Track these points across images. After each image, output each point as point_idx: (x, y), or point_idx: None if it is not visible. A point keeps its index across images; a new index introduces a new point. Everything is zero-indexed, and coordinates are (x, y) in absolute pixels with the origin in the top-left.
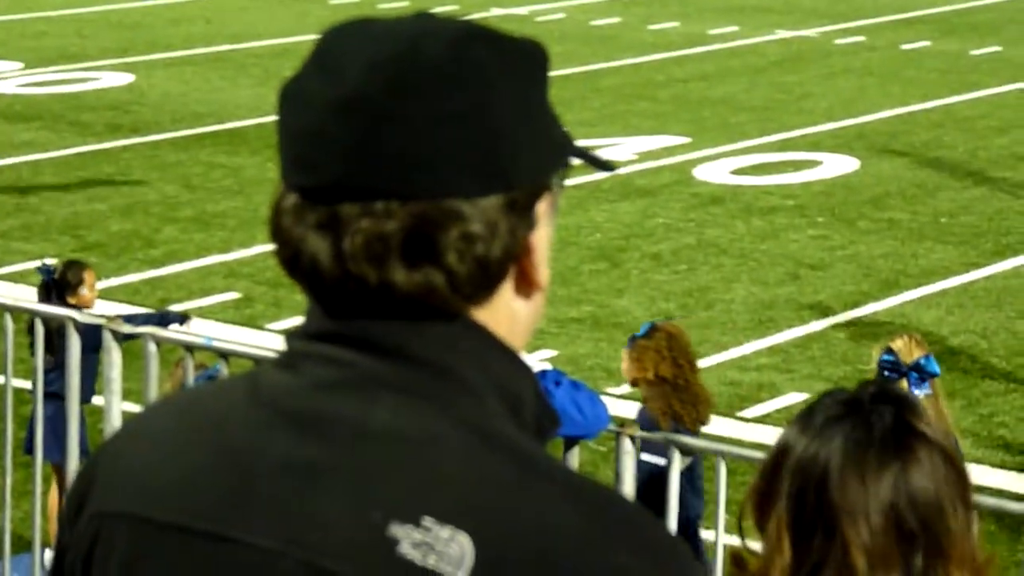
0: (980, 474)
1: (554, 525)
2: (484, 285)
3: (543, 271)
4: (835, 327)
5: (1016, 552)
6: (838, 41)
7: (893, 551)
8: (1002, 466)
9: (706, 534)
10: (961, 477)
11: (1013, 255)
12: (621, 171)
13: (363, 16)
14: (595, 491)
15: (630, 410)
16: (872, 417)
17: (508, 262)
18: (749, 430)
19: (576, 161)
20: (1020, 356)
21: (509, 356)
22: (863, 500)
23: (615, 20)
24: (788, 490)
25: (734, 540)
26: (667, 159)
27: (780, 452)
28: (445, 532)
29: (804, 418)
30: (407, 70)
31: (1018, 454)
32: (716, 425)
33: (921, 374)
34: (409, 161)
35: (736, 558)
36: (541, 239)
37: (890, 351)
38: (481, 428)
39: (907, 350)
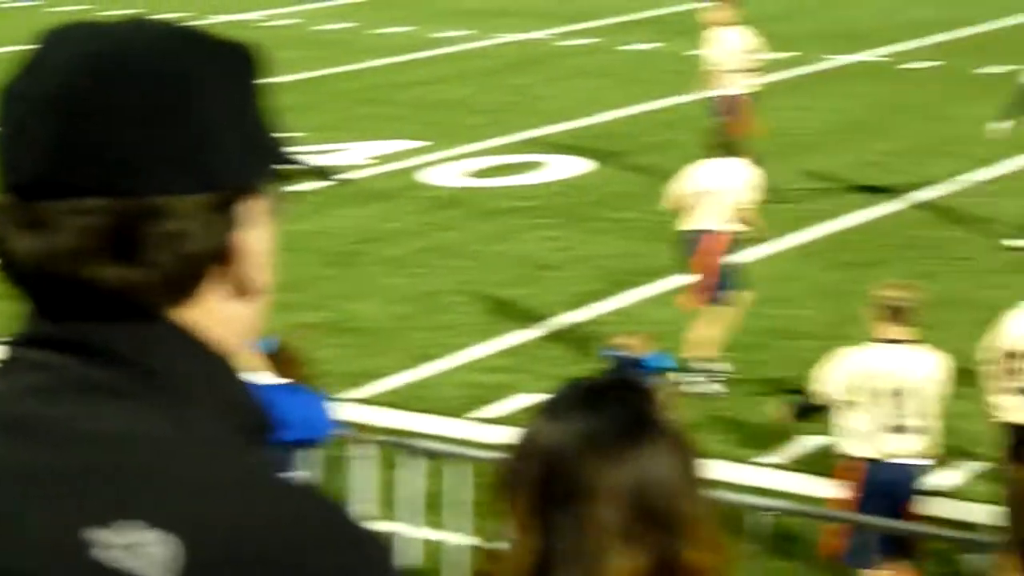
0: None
1: (266, 526)
2: (187, 284)
3: (261, 274)
4: (570, 327)
5: (737, 544)
6: (569, 43)
7: (634, 533)
8: (723, 457)
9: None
10: (694, 464)
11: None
12: (356, 175)
13: (80, 20)
14: (304, 493)
15: (369, 415)
16: (611, 405)
17: (211, 261)
18: (487, 431)
19: (293, 166)
20: (752, 351)
21: (217, 358)
22: (604, 484)
23: (346, 25)
24: (533, 477)
25: (474, 541)
26: (402, 163)
27: (526, 441)
28: (150, 535)
29: (548, 407)
30: (110, 67)
31: (739, 447)
32: (454, 427)
33: (652, 370)
34: (112, 158)
35: (486, 553)
36: (256, 242)
37: (622, 348)
38: (191, 430)
39: (639, 347)
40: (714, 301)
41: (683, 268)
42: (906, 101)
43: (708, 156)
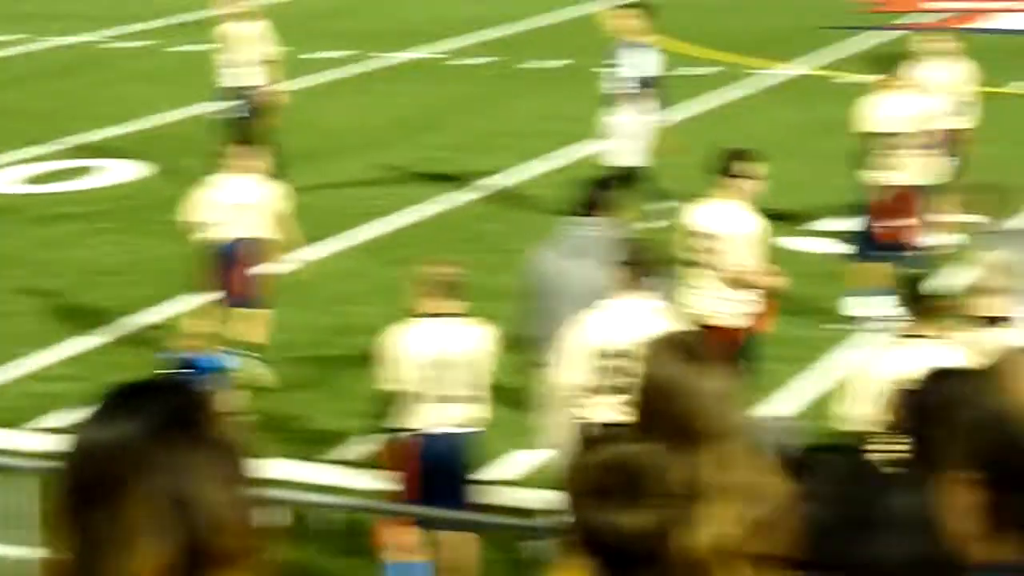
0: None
1: None
2: None
3: None
4: (133, 332)
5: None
6: (119, 45)
7: (165, 527)
8: (284, 456)
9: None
10: (238, 464)
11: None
12: None
13: None
14: None
15: None
16: (149, 407)
17: None
18: (50, 441)
19: None
20: (319, 348)
21: None
22: (138, 485)
23: None
24: (74, 481)
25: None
26: None
27: (69, 446)
28: None
29: (93, 412)
30: None
31: (301, 445)
32: (16, 439)
33: (207, 371)
34: None
35: (46, 565)
36: None
37: (182, 350)
38: None
39: (199, 348)
40: (245, 306)
41: (209, 278)
42: (459, 96)
43: (232, 161)
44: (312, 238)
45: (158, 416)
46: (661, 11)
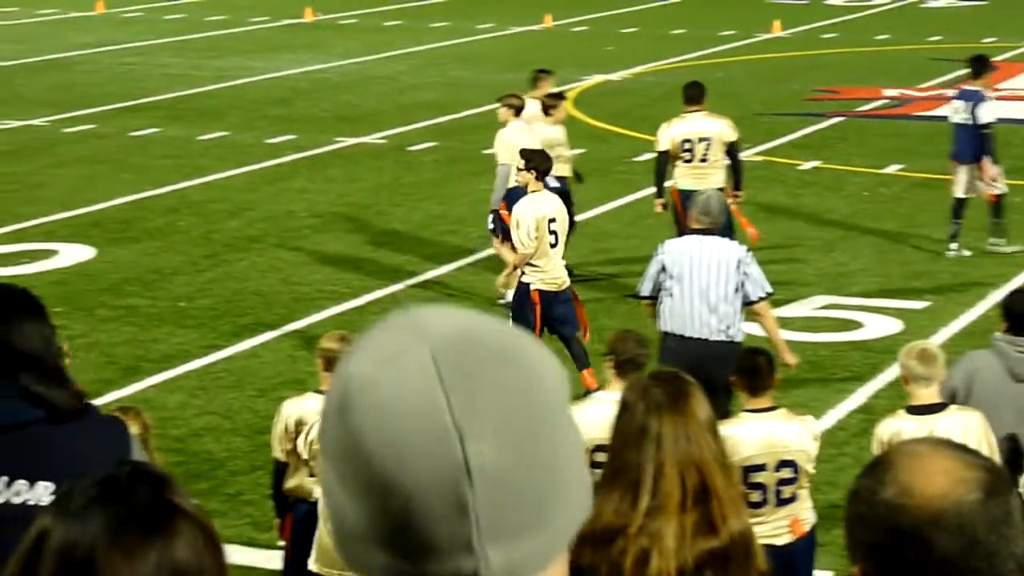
0: (231, 552)
1: None
2: None
3: None
4: None
5: None
6: (66, 129)
7: None
8: (251, 544)
9: None
10: (219, 549)
11: (250, 335)
12: None
13: None
14: None
15: None
16: (131, 495)
17: None
18: None
19: None
20: (261, 434)
21: None
22: (132, 574)
23: None
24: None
25: None
26: None
27: (37, 539)
28: None
29: (60, 502)
30: None
31: (266, 530)
32: None
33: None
34: None
35: None
36: None
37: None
38: None
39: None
40: None
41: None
42: (408, 181)
43: None
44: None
45: (144, 504)
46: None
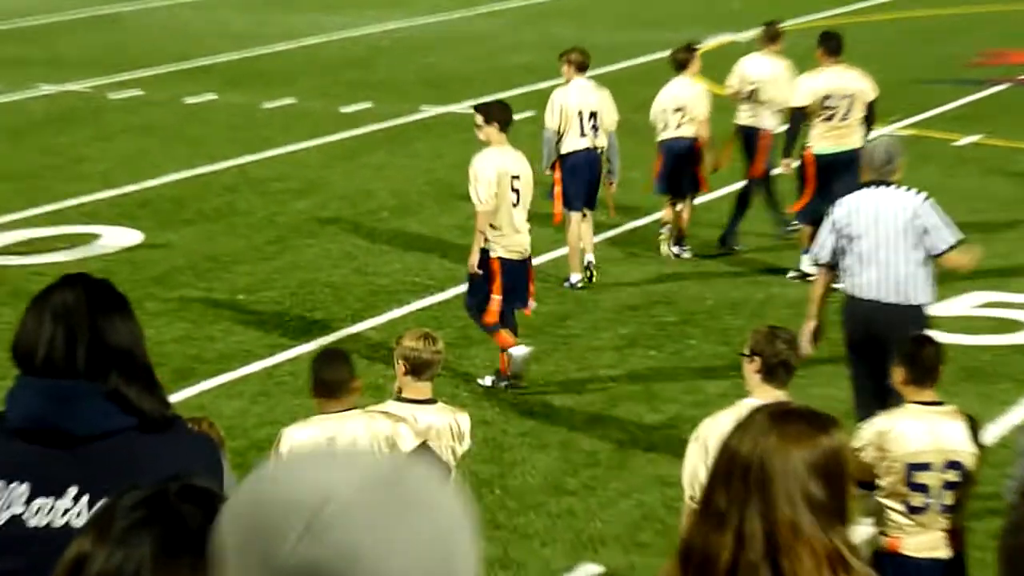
0: None
1: None
2: None
3: None
4: None
5: None
6: (112, 96)
7: None
8: None
9: None
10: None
11: (320, 334)
12: None
13: None
14: None
15: None
16: (181, 517)
17: None
18: None
19: None
20: None
21: None
22: None
23: None
24: None
25: None
26: None
27: (73, 566)
28: None
29: (99, 525)
30: None
31: None
32: None
33: None
34: None
35: None
36: None
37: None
38: None
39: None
40: None
41: None
42: None
43: None
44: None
45: (196, 523)
46: None
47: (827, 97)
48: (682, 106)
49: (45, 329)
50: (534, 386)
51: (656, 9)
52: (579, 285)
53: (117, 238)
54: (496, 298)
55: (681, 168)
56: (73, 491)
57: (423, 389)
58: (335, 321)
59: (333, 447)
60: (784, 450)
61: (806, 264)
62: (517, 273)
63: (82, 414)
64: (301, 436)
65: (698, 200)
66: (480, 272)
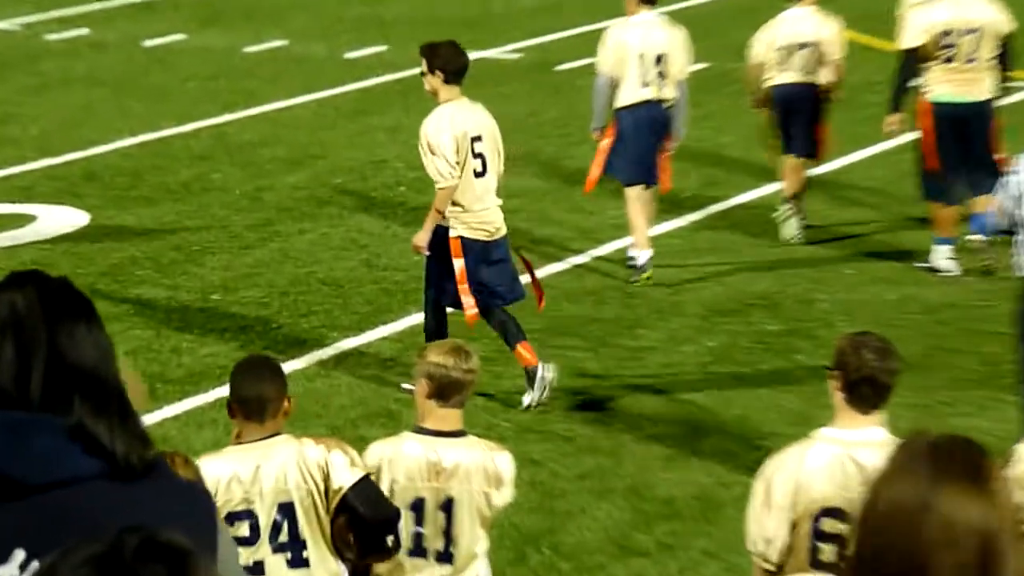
0: None
1: None
2: None
3: None
4: None
5: None
6: (50, 36)
7: None
8: None
9: None
10: None
11: (317, 345)
12: None
13: None
14: None
15: None
16: None
17: None
18: None
19: None
20: None
21: None
22: None
23: None
24: None
25: None
26: None
27: None
28: None
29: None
30: None
31: None
32: None
33: None
34: None
35: None
36: None
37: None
38: None
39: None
40: None
41: None
42: (552, 116)
43: None
44: None
45: None
46: None
47: (946, 33)
48: (810, 43)
49: None
50: (594, 413)
51: None
52: (643, 267)
53: (56, 221)
54: (463, 291)
55: (795, 123)
56: (20, 556)
57: (450, 417)
58: (336, 329)
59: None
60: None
61: (941, 257)
62: (484, 256)
63: (34, 456)
64: (215, 471)
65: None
66: (428, 253)
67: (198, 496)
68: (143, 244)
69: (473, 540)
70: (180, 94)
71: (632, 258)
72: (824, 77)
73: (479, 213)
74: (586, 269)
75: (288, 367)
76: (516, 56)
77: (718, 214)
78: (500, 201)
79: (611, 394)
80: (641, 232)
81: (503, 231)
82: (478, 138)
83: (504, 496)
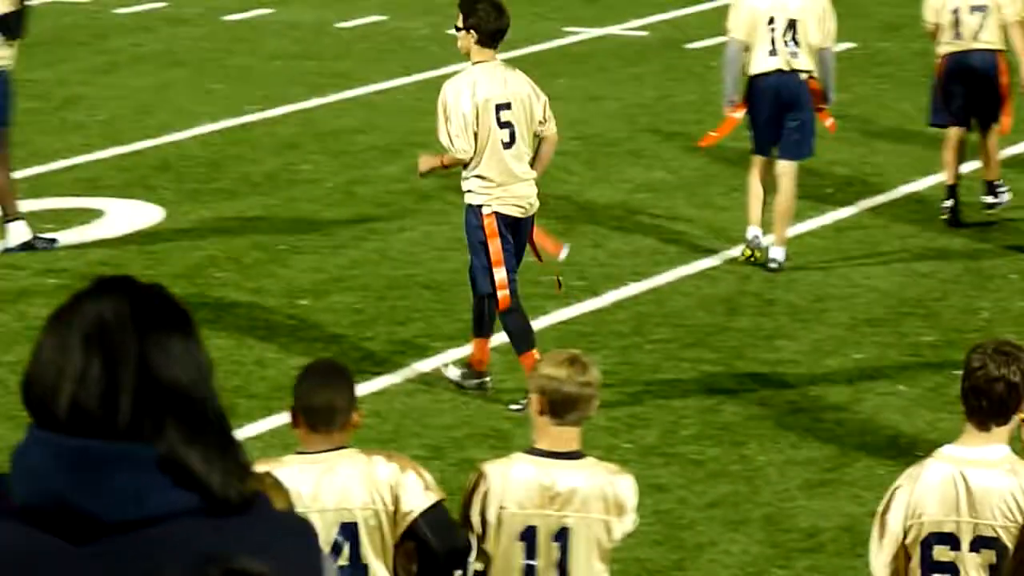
0: None
1: None
2: None
3: None
4: None
5: None
6: (119, 10)
7: None
8: None
9: None
10: None
11: (416, 356)
12: None
13: None
14: None
15: None
16: None
17: None
18: None
19: None
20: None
21: None
22: None
23: None
24: None
25: None
26: None
27: None
28: None
29: None
30: None
31: None
32: None
33: None
34: None
35: None
36: None
37: None
38: None
39: None
40: None
41: None
42: (684, 100)
43: None
44: None
45: None
46: None
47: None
48: (983, 5)
49: (72, 360)
50: (727, 434)
51: None
52: (756, 244)
53: (126, 216)
54: (500, 273)
55: (974, 91)
56: None
57: (566, 437)
58: (439, 338)
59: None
60: None
61: None
62: (517, 233)
63: (117, 491)
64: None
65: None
66: (426, 169)
67: (301, 530)
68: (223, 243)
69: (590, 575)
70: (264, 75)
71: (755, 237)
72: (1003, 42)
73: (511, 187)
74: (720, 272)
75: (384, 381)
76: (643, 34)
77: (868, 211)
78: (535, 173)
79: (746, 412)
80: (754, 205)
81: (536, 206)
82: (507, 106)
83: (625, 525)
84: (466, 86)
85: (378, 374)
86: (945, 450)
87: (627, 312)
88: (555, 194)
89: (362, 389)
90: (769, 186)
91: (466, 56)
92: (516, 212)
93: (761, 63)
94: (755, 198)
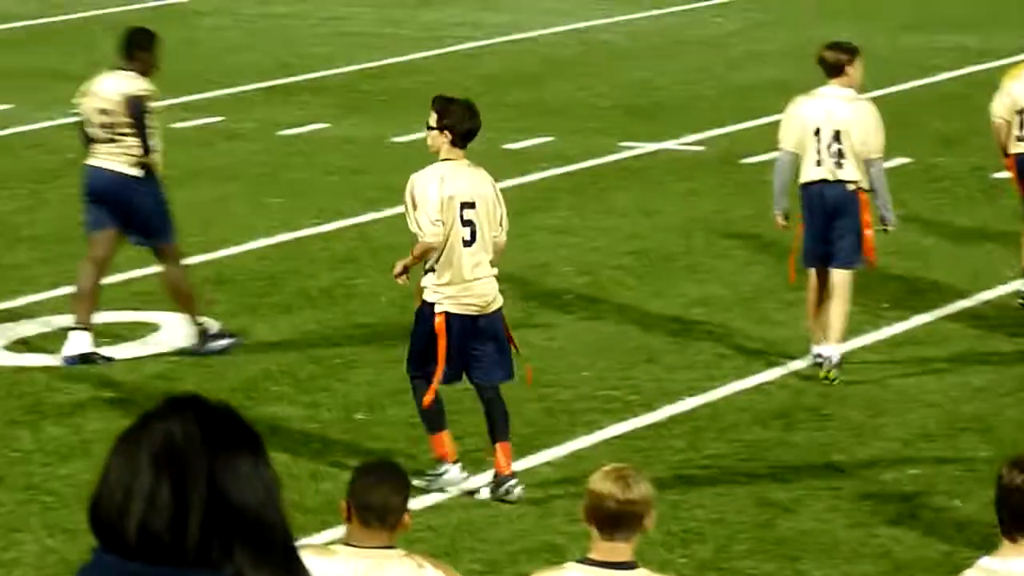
0: None
1: None
2: None
3: None
4: None
5: None
6: (177, 124)
7: None
8: None
9: None
10: None
11: (476, 467)
12: None
13: None
14: None
15: None
16: None
17: None
18: None
19: None
20: None
21: None
22: None
23: None
24: None
25: None
26: None
27: None
28: None
29: None
30: None
31: None
32: None
33: None
34: None
35: None
36: None
37: None
38: None
39: None
40: None
41: None
42: (742, 214)
43: None
44: None
45: None
46: None
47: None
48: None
49: (141, 481)
50: (782, 548)
51: (953, 5)
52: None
53: (182, 330)
54: (439, 369)
55: None
56: None
57: (618, 549)
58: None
59: None
60: None
61: None
62: (467, 334)
63: None
64: (322, 571)
65: None
66: (405, 277)
67: None
68: (279, 356)
69: None
70: (321, 189)
71: (818, 355)
72: None
73: (469, 285)
74: (775, 386)
75: (440, 496)
76: (699, 148)
77: (922, 327)
78: (495, 271)
79: (801, 528)
80: (811, 319)
81: (497, 303)
82: (471, 204)
83: None
84: (433, 179)
85: (425, 493)
86: (982, 562)
87: (682, 427)
88: (610, 306)
89: (416, 503)
90: (825, 300)
91: (435, 155)
92: (471, 311)
93: (808, 172)
94: (811, 314)
